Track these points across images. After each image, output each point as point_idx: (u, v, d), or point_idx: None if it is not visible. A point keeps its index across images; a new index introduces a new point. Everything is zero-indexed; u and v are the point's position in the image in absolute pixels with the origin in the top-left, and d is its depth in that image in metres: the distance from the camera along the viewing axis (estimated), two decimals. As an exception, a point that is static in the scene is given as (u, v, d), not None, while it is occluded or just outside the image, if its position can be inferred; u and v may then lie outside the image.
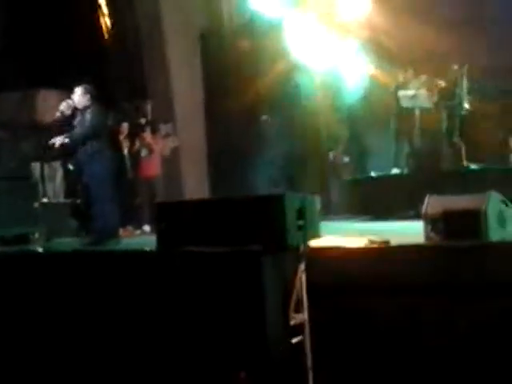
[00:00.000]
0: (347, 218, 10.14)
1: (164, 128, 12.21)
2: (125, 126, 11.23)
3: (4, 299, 6.28)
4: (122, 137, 11.10)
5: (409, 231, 6.29)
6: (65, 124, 7.90)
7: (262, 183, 11.04)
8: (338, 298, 5.15)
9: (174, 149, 12.33)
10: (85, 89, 7.92)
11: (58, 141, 7.93)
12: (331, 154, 12.35)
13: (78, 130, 7.84)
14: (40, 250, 7.49)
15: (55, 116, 7.97)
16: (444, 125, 10.95)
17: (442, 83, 11.04)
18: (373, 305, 5.10)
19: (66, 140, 7.86)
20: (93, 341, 5.71)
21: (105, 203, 7.73)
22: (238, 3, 12.86)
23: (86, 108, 7.88)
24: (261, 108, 13.98)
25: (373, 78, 12.14)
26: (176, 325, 5.26)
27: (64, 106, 7.92)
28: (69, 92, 8.54)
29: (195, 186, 12.96)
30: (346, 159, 12.16)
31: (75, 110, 7.90)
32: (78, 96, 7.89)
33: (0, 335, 6.23)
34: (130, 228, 10.42)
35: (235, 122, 12.96)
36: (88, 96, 7.89)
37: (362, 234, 6.53)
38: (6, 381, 6.05)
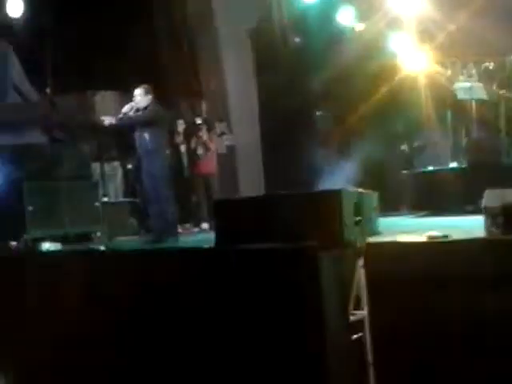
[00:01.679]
0: (405, 214, 10.05)
1: (219, 126, 12.31)
2: (180, 124, 11.37)
3: (68, 296, 6.45)
4: (178, 136, 11.25)
5: (468, 226, 6.20)
6: (128, 126, 8.06)
7: (318, 179, 11.01)
8: (397, 294, 5.12)
9: (229, 147, 12.43)
10: (145, 89, 8.09)
11: (107, 119, 8.09)
12: (403, 147, 12.27)
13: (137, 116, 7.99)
14: (102, 248, 7.65)
15: (112, 120, 8.12)
16: (502, 117, 10.75)
17: (500, 74, 10.84)
18: (433, 300, 5.05)
19: (118, 118, 8.00)
20: (152, 338, 5.81)
21: (163, 202, 7.85)
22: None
23: (147, 107, 8.03)
24: (315, 103, 13.99)
25: (428, 71, 12.01)
26: (234, 322, 5.30)
27: (127, 108, 8.08)
28: (125, 93, 8.70)
29: (251, 183, 13.03)
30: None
31: (137, 111, 8.05)
32: (140, 96, 8.04)
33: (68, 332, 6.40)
34: (188, 225, 10.56)
35: (289, 118, 12.98)
36: (149, 96, 8.05)
37: (420, 229, 6.48)
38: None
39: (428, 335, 5.04)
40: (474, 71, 11.06)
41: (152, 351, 5.80)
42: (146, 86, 8.12)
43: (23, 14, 10.59)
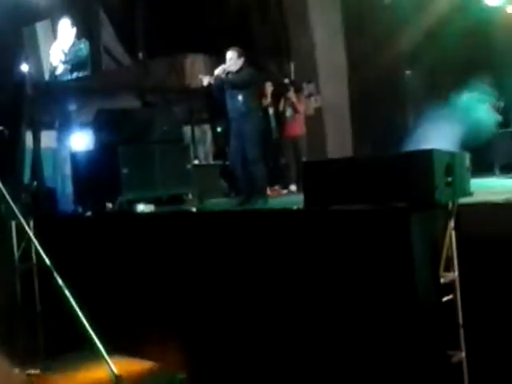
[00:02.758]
0: (498, 174, 9.79)
1: (307, 87, 12.24)
2: (269, 86, 11.36)
3: (161, 256, 6.68)
4: (266, 97, 11.24)
5: None
6: (219, 88, 8.09)
7: (409, 140, 10.83)
8: (488, 255, 5.04)
9: (317, 108, 12.36)
10: (238, 51, 8.04)
11: (206, 79, 8.14)
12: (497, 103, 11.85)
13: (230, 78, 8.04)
14: (194, 209, 7.82)
15: (211, 80, 8.14)
16: None
17: None
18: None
19: (216, 74, 8.05)
20: (246, 300, 5.93)
21: (253, 164, 7.92)
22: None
23: (240, 70, 8.03)
24: (405, 63, 13.69)
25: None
26: (325, 285, 5.35)
27: (219, 70, 8.05)
28: (215, 57, 8.72)
29: (339, 145, 12.96)
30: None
31: (228, 73, 8.05)
32: (232, 59, 8.04)
33: (156, 289, 6.64)
34: (277, 187, 10.62)
35: (378, 78, 12.77)
36: (242, 59, 8.03)
37: (512, 190, 6.33)
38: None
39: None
40: None
41: (247, 313, 5.94)
42: (238, 48, 8.08)
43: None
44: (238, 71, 7.97)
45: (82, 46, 8.93)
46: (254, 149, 7.85)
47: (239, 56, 7.97)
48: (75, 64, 8.86)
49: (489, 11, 11.95)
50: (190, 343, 6.27)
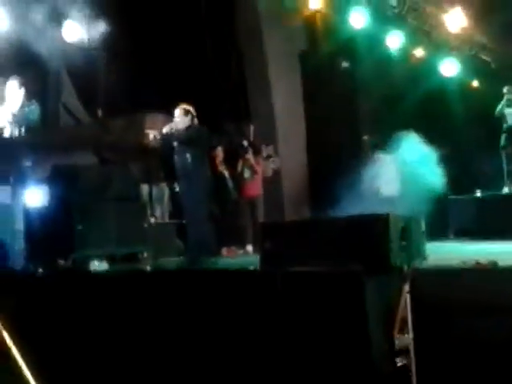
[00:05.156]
0: (453, 239, 9.93)
1: (266, 149, 12.35)
2: (219, 149, 11.34)
3: (114, 315, 6.52)
4: (218, 160, 11.24)
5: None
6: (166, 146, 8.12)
7: (364, 205, 10.93)
8: (443, 320, 5.04)
9: (275, 170, 12.45)
10: (184, 110, 8.11)
11: (152, 133, 8.16)
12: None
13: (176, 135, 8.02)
14: (148, 268, 7.71)
15: (157, 135, 8.18)
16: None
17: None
18: (479, 327, 4.96)
19: (163, 133, 8.04)
20: (196, 359, 5.82)
21: (200, 223, 7.86)
22: (337, 22, 12.93)
23: (187, 128, 8.06)
24: (363, 128, 13.95)
25: (477, 95, 11.92)
26: (277, 346, 5.28)
27: (167, 128, 8.12)
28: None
29: (296, 206, 13.02)
30: None
31: (177, 131, 8.08)
32: (179, 117, 8.07)
33: (108, 349, 6.46)
34: (233, 248, 10.58)
35: (337, 143, 12.96)
36: (189, 116, 8.07)
37: (468, 255, 6.38)
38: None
39: (473, 364, 4.95)
40: None
41: (195, 373, 5.82)
42: (185, 106, 8.13)
43: (78, 38, 10.84)
44: (186, 128, 8.00)
45: (33, 107, 8.77)
46: (199, 208, 7.81)
47: (185, 114, 8.03)
48: (25, 126, 8.71)
49: (445, 81, 12.35)
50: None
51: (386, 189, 11.01)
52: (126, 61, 10.83)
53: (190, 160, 7.84)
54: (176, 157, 7.99)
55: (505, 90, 11.13)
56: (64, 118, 13.26)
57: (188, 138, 7.93)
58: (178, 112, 8.07)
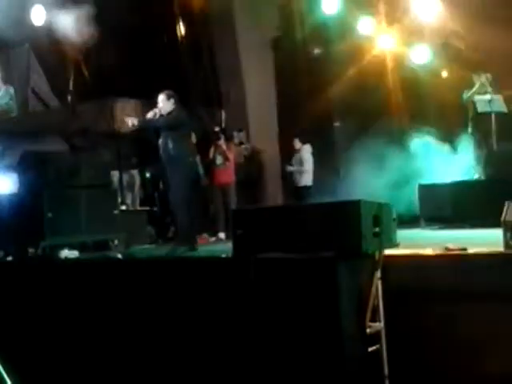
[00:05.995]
0: (424, 226, 10.00)
1: (238, 136, 12.30)
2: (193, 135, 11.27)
3: (84, 303, 6.47)
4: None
5: (487, 239, 6.15)
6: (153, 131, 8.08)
7: (336, 190, 10.98)
8: (414, 306, 5.09)
9: (247, 156, 12.41)
10: (168, 94, 8.08)
11: (130, 120, 8.11)
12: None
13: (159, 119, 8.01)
14: (119, 256, 7.66)
15: (135, 122, 8.13)
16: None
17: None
18: (449, 313, 5.02)
19: (141, 120, 8.01)
20: (168, 347, 5.81)
21: (178, 208, 7.85)
22: (310, 8, 12.91)
23: (170, 113, 8.03)
24: (334, 114, 13.99)
25: (447, 83, 12.00)
26: (251, 333, 5.29)
27: (151, 114, 8.09)
28: (147, 102, 8.68)
29: (269, 193, 13.02)
30: None
31: (161, 116, 8.07)
32: (163, 102, 8.04)
33: (79, 338, 6.42)
34: (205, 235, 10.55)
35: (308, 129, 12.97)
36: (172, 100, 8.05)
37: (438, 241, 6.44)
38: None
39: (443, 348, 5.01)
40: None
41: (168, 360, 5.81)
42: (168, 91, 8.11)
43: (47, 22, 10.70)
44: (169, 113, 7.99)
45: (11, 90, 8.70)
46: (178, 193, 7.80)
47: (168, 98, 8.01)
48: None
49: (416, 68, 12.41)
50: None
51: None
52: (96, 46, 10.68)
53: (172, 145, 7.83)
54: (160, 142, 7.97)
55: (479, 77, 11.15)
56: (33, 102, 13.11)
57: (171, 121, 7.91)
58: (161, 97, 8.05)
